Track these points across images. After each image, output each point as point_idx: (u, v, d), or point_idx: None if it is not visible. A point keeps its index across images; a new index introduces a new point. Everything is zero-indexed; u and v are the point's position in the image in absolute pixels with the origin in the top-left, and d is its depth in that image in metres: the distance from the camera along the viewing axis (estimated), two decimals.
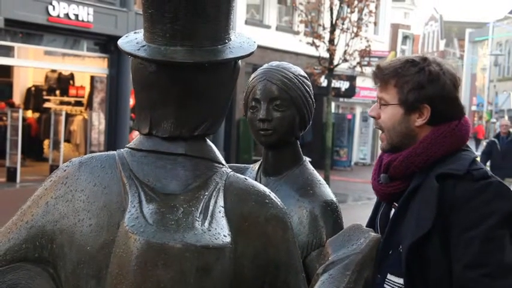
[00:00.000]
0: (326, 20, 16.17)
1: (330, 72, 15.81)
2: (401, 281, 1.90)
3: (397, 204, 1.98)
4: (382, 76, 1.99)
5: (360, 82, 21.99)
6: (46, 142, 16.53)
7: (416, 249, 1.85)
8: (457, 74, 2.01)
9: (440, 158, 1.93)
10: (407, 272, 1.87)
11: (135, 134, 1.42)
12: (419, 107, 1.95)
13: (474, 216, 1.81)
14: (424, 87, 1.93)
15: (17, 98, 17.48)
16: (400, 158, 1.96)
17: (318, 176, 2.12)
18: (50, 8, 13.76)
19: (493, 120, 26.31)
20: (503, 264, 1.79)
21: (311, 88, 2.13)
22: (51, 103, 17.63)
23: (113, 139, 15.52)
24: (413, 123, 1.97)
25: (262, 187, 1.36)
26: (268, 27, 19.87)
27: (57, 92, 17.91)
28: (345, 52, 15.59)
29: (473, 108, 53.75)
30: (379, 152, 2.15)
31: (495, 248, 1.80)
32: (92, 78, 16.29)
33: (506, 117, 12.97)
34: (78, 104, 17.39)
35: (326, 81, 16.66)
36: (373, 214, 2.11)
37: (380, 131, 2.05)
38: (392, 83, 1.97)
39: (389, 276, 1.94)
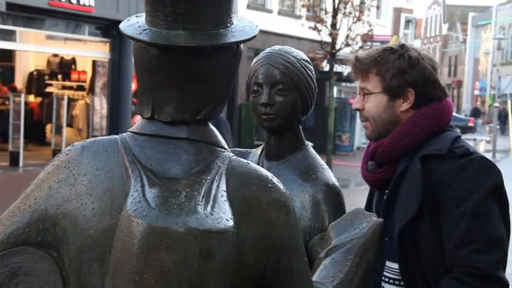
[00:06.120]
0: (328, 4, 16.09)
1: (332, 57, 15.76)
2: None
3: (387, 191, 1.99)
4: (362, 66, 2.00)
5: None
6: (48, 126, 16.53)
7: (408, 233, 1.87)
8: (435, 59, 2.05)
9: (424, 139, 1.95)
10: (402, 256, 1.88)
11: (137, 119, 1.42)
12: (404, 92, 1.97)
13: (460, 193, 1.84)
14: (406, 72, 1.96)
15: (19, 82, 17.46)
16: (385, 143, 1.97)
17: (321, 161, 2.12)
18: None
19: (496, 104, 26.29)
20: (491, 238, 1.82)
21: (313, 72, 2.12)
22: (53, 87, 17.61)
23: (115, 124, 15.51)
24: (398, 109, 1.99)
25: (264, 171, 1.36)
26: (270, 11, 19.78)
27: (59, 76, 17.88)
28: (347, 36, 15.53)
29: (476, 92, 53.61)
30: None
31: (483, 222, 1.82)
32: (94, 62, 16.24)
33: None
34: (80, 88, 17.37)
35: (328, 65, 16.62)
36: (367, 202, 2.12)
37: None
38: (374, 72, 1.99)
39: (388, 263, 1.96)
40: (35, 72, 17.84)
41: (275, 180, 1.36)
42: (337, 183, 2.08)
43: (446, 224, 1.84)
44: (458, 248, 1.81)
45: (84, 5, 14.33)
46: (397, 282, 1.94)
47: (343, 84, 23.79)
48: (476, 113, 44.11)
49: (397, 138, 1.95)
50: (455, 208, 1.83)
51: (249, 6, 18.96)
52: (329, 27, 15.33)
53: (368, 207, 2.09)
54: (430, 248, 1.86)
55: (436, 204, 1.85)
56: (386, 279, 1.96)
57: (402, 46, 2.01)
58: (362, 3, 15.76)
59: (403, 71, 1.96)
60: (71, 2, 14.11)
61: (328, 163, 14.25)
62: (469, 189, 1.83)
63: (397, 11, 30.73)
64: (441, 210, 1.85)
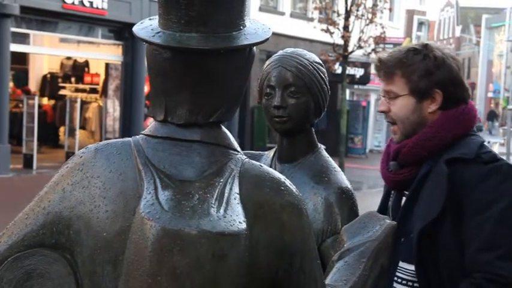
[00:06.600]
0: (340, 6, 16.07)
1: (345, 59, 15.74)
2: (413, 267, 1.90)
3: (407, 192, 1.98)
4: (387, 68, 1.98)
5: (374, 69, 21.86)
6: (62, 129, 16.63)
7: (427, 234, 1.85)
8: (457, 57, 2.03)
9: (450, 142, 1.93)
10: (419, 258, 1.87)
11: (150, 121, 1.42)
12: (431, 93, 1.95)
13: (485, 199, 1.82)
14: (433, 72, 1.94)
15: (33, 85, 17.58)
16: (410, 144, 1.95)
17: (333, 163, 2.12)
18: None
19: (510, 106, 26.11)
20: None
21: (326, 75, 2.12)
22: (67, 90, 17.73)
23: (128, 126, 15.58)
24: (426, 111, 1.96)
25: (277, 174, 1.36)
26: (282, 13, 19.78)
27: (73, 79, 17.99)
28: (359, 39, 15.50)
29: (490, 94, 53.29)
30: None
31: (507, 230, 1.81)
32: (107, 65, 16.33)
33: None
34: (93, 91, 17.46)
35: (340, 68, 16.59)
36: (382, 203, 2.10)
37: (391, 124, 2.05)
38: (399, 74, 1.96)
39: (401, 264, 1.94)
40: (49, 75, 17.95)
41: (288, 182, 1.36)
42: (349, 186, 2.07)
43: (470, 228, 1.82)
44: (480, 252, 1.79)
45: (97, 8, 14.42)
46: (410, 284, 1.93)
47: (356, 86, 23.74)
48: (492, 115, 43.88)
49: (424, 139, 1.94)
50: (480, 212, 1.81)
51: (261, 9, 18.98)
52: (341, 30, 15.31)
53: (383, 208, 2.08)
54: (449, 251, 1.84)
55: (460, 207, 1.84)
56: (399, 280, 1.95)
57: (426, 46, 1.98)
58: (374, 5, 15.73)
59: (430, 72, 1.93)
60: (84, 5, 14.20)
61: (341, 166, 14.21)
62: (495, 195, 1.82)
63: (410, 13, 30.63)
64: (465, 213, 1.83)
